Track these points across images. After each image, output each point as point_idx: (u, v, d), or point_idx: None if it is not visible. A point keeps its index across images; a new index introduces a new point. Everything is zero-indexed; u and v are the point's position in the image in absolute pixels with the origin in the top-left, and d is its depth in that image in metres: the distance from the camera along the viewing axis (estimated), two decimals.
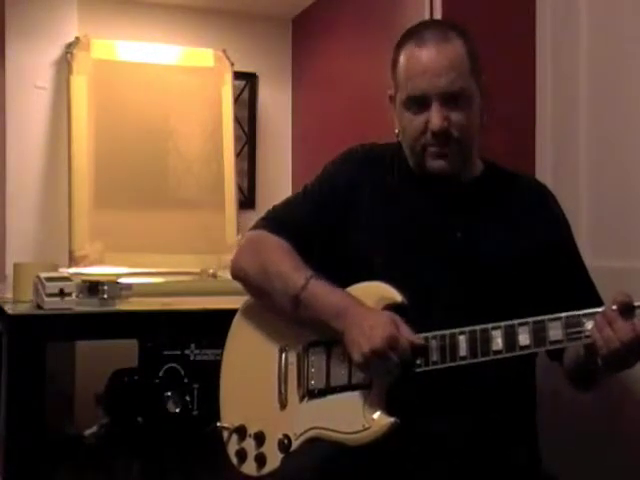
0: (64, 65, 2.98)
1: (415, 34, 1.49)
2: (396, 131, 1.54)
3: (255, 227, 1.61)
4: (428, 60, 1.44)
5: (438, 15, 2.22)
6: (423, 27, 1.53)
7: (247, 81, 3.35)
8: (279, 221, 1.57)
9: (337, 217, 1.54)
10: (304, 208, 1.57)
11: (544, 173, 2.19)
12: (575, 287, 1.52)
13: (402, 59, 1.48)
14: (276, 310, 1.53)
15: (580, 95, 2.09)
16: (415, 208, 1.52)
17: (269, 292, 1.52)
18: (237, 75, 3.23)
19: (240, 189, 3.26)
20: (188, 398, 2.32)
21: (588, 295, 1.51)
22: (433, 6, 2.25)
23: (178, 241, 2.97)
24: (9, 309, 2.17)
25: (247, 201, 3.28)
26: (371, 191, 1.54)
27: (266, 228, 1.57)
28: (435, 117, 1.43)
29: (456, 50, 1.45)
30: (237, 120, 3.25)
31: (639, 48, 1.90)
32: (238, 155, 3.25)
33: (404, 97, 1.47)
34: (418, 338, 1.36)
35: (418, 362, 1.36)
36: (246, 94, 3.35)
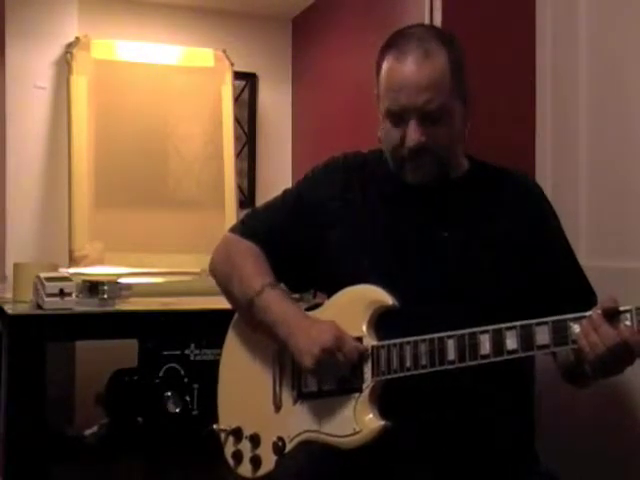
0: (64, 65, 2.98)
1: (398, 44, 1.47)
2: (379, 134, 1.54)
3: (233, 229, 1.66)
4: (406, 78, 1.42)
5: (438, 15, 2.21)
6: (406, 37, 1.48)
7: (247, 81, 3.34)
8: (254, 226, 1.62)
9: (313, 226, 1.55)
10: (279, 215, 1.61)
11: (544, 173, 2.19)
12: (565, 282, 1.52)
13: (384, 69, 1.48)
14: (237, 311, 1.61)
15: (580, 95, 2.09)
16: (400, 210, 1.53)
17: (231, 293, 1.58)
18: (237, 75, 3.23)
19: (240, 189, 3.26)
20: (188, 398, 2.32)
21: (578, 290, 1.52)
22: (433, 6, 2.25)
23: (178, 241, 2.97)
24: (9, 309, 2.17)
25: (247, 201, 3.28)
26: (354, 197, 1.55)
27: (241, 232, 1.62)
28: (411, 134, 1.43)
29: (436, 66, 1.43)
30: (237, 120, 3.25)
31: (638, 48, 1.90)
32: (238, 155, 3.25)
33: (384, 109, 1.47)
34: (362, 345, 1.41)
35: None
36: (246, 94, 3.35)
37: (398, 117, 1.45)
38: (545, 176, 2.17)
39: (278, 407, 1.51)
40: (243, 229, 1.63)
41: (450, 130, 1.46)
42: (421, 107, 1.42)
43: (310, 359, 1.40)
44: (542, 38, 2.24)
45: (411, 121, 1.43)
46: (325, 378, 1.44)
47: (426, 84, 1.42)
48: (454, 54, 1.46)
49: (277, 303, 1.49)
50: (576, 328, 1.26)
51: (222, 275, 1.61)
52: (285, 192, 1.65)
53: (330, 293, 1.53)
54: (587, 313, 1.26)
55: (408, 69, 1.42)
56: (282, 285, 1.56)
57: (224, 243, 1.65)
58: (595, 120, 2.04)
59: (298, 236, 1.57)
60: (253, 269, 1.54)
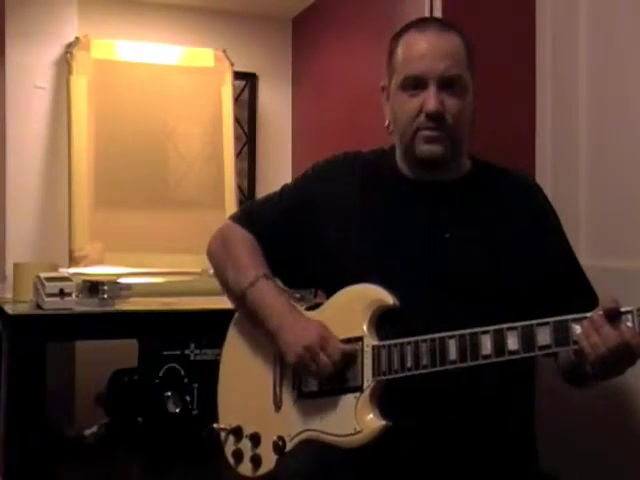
0: (64, 65, 2.98)
1: (415, 24, 1.53)
2: (386, 123, 1.54)
3: (232, 217, 1.68)
4: (429, 44, 1.46)
5: (438, 16, 2.22)
6: (422, 19, 1.58)
7: (247, 81, 3.34)
8: (252, 217, 1.64)
9: (310, 223, 1.56)
10: (276, 209, 1.61)
11: (544, 173, 2.19)
12: (566, 283, 1.52)
13: (401, 45, 1.50)
14: (230, 299, 1.61)
15: (580, 95, 2.09)
16: (401, 210, 1.52)
17: (226, 281, 1.59)
18: (237, 75, 3.23)
19: (240, 189, 3.26)
20: (188, 398, 2.32)
21: (579, 290, 1.52)
22: (433, 6, 2.25)
23: (178, 241, 2.96)
24: (9, 309, 2.16)
25: (247, 201, 3.28)
26: (354, 195, 1.55)
27: (239, 220, 1.64)
28: (431, 99, 1.44)
29: (455, 40, 1.48)
30: (237, 120, 3.25)
31: (638, 48, 1.90)
32: (238, 155, 3.25)
33: (401, 78, 1.48)
34: (347, 345, 1.42)
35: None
36: (246, 94, 3.35)
37: (417, 84, 1.46)
38: (545, 176, 2.17)
39: (278, 406, 1.51)
40: (242, 218, 1.65)
41: (464, 107, 1.47)
42: (442, 72, 1.44)
43: (293, 356, 1.43)
44: (542, 38, 2.24)
45: (430, 87, 1.44)
46: (310, 376, 1.44)
47: (447, 52, 1.46)
48: (467, 41, 1.51)
49: (269, 296, 1.50)
50: (577, 329, 1.26)
51: (217, 261, 1.63)
52: (284, 187, 1.65)
53: (330, 292, 1.53)
54: (588, 314, 1.26)
55: (430, 38, 1.47)
56: (277, 279, 1.57)
57: (222, 230, 1.67)
58: (595, 120, 2.05)
59: (293, 232, 1.57)
60: (248, 259, 1.56)
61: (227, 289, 1.61)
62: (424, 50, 1.46)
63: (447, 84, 1.45)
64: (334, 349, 1.41)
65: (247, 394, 1.58)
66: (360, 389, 1.40)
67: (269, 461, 1.49)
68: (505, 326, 1.30)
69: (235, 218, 1.66)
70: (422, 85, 1.45)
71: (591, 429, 1.97)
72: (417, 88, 1.46)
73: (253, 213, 1.66)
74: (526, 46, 2.26)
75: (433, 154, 1.47)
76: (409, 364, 1.36)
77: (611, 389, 1.82)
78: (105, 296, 2.32)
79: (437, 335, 1.34)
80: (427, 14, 2.25)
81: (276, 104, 3.40)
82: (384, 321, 1.43)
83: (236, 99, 3.25)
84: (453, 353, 1.33)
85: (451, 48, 1.46)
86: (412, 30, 1.50)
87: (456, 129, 1.47)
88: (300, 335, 1.43)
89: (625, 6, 1.96)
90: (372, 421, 1.38)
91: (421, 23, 1.53)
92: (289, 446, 1.47)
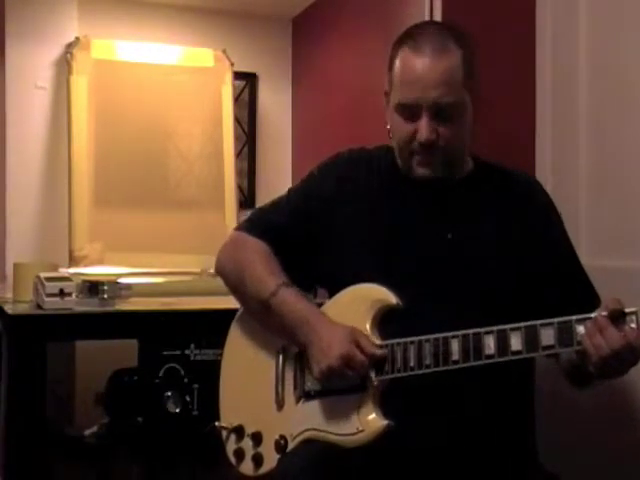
0: (64, 65, 2.98)
1: (413, 37, 1.47)
2: (388, 127, 1.54)
3: (239, 227, 1.65)
4: (422, 70, 1.43)
5: (438, 16, 2.22)
6: (422, 31, 1.50)
7: (247, 81, 3.35)
8: (261, 224, 1.60)
9: (319, 223, 1.55)
10: (286, 213, 1.59)
11: (544, 173, 2.19)
12: (568, 283, 1.52)
13: (398, 62, 1.48)
14: (249, 312, 1.58)
15: (580, 95, 2.09)
16: (404, 209, 1.53)
17: (243, 293, 1.56)
18: (237, 75, 3.23)
19: (240, 189, 3.26)
20: (188, 398, 2.32)
21: (581, 290, 1.51)
22: (433, 6, 2.25)
23: (178, 241, 2.97)
24: (9, 309, 2.16)
25: (247, 201, 3.29)
26: (358, 193, 1.55)
27: (248, 230, 1.60)
28: (423, 129, 1.43)
29: (451, 61, 1.43)
30: (237, 120, 3.25)
31: (638, 48, 1.91)
32: (238, 155, 3.25)
33: (396, 102, 1.47)
34: (378, 350, 1.39)
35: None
36: (246, 94, 3.35)
37: (410, 111, 1.44)
38: (545, 176, 2.17)
39: (281, 405, 1.51)
40: (250, 227, 1.61)
41: (460, 129, 1.46)
42: (434, 101, 1.42)
43: (317, 373, 1.42)
44: (542, 38, 2.24)
45: (423, 117, 1.43)
46: (334, 385, 1.43)
47: (441, 79, 1.42)
48: (468, 53, 1.47)
49: (293, 304, 1.47)
50: (581, 329, 1.26)
51: (231, 274, 1.59)
52: (290, 190, 1.64)
53: (332, 291, 1.53)
54: (592, 314, 1.26)
55: (424, 62, 1.43)
56: None
57: (231, 241, 1.63)
58: (595, 120, 2.05)
59: (303, 235, 1.56)
60: (265, 269, 1.53)
61: (244, 302, 1.58)
62: (417, 76, 1.43)
63: (440, 111, 1.43)
64: (362, 362, 1.38)
65: (249, 393, 1.58)
66: (363, 388, 1.40)
67: (271, 460, 1.49)
68: (509, 326, 1.30)
69: (243, 228, 1.63)
70: (416, 114, 1.44)
71: (591, 429, 1.97)
72: (411, 114, 1.44)
73: (261, 220, 1.62)
74: (526, 46, 2.26)
75: (427, 178, 1.48)
76: (412, 363, 1.36)
77: (612, 389, 1.82)
78: (105, 296, 2.32)
79: (440, 335, 1.35)
80: (427, 14, 2.25)
81: (276, 104, 3.40)
82: (387, 321, 1.43)
83: (236, 99, 3.25)
84: (456, 353, 1.33)
85: (445, 73, 1.42)
86: (408, 46, 1.45)
87: (450, 152, 1.46)
88: (324, 353, 1.40)
89: (625, 5, 1.96)
90: (374, 420, 1.38)
91: (418, 38, 1.45)
92: (291, 445, 1.47)
